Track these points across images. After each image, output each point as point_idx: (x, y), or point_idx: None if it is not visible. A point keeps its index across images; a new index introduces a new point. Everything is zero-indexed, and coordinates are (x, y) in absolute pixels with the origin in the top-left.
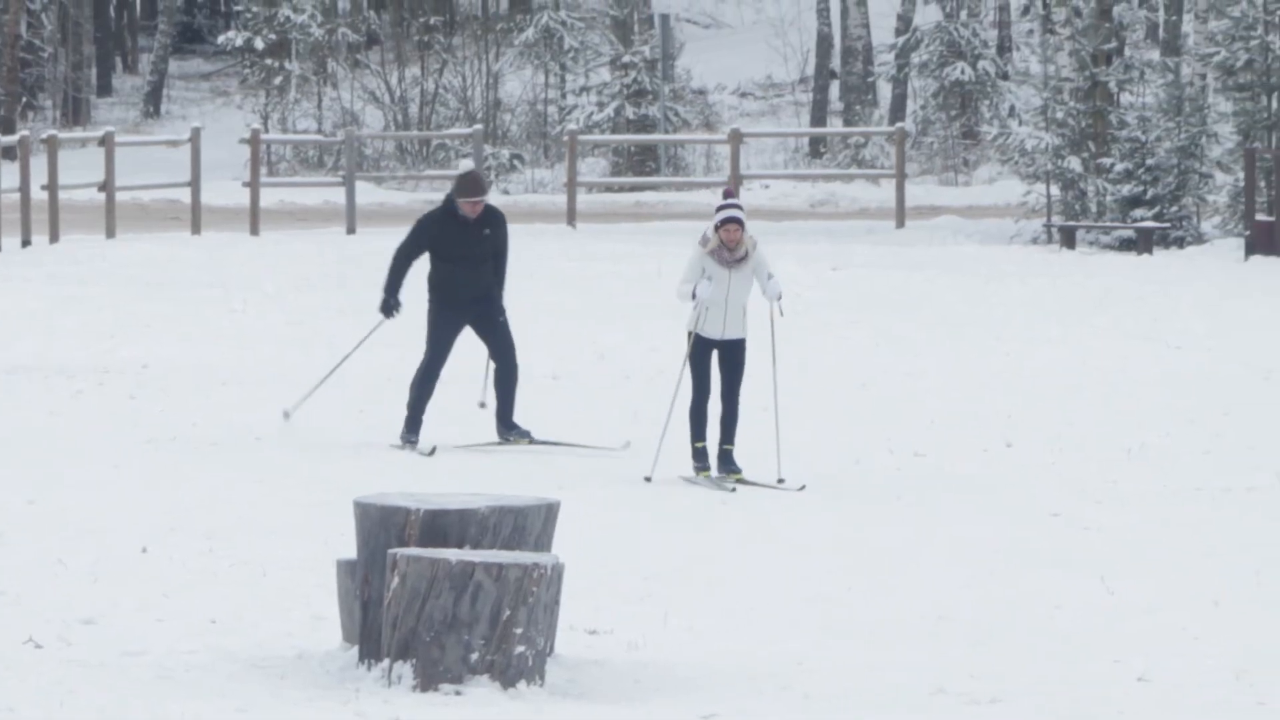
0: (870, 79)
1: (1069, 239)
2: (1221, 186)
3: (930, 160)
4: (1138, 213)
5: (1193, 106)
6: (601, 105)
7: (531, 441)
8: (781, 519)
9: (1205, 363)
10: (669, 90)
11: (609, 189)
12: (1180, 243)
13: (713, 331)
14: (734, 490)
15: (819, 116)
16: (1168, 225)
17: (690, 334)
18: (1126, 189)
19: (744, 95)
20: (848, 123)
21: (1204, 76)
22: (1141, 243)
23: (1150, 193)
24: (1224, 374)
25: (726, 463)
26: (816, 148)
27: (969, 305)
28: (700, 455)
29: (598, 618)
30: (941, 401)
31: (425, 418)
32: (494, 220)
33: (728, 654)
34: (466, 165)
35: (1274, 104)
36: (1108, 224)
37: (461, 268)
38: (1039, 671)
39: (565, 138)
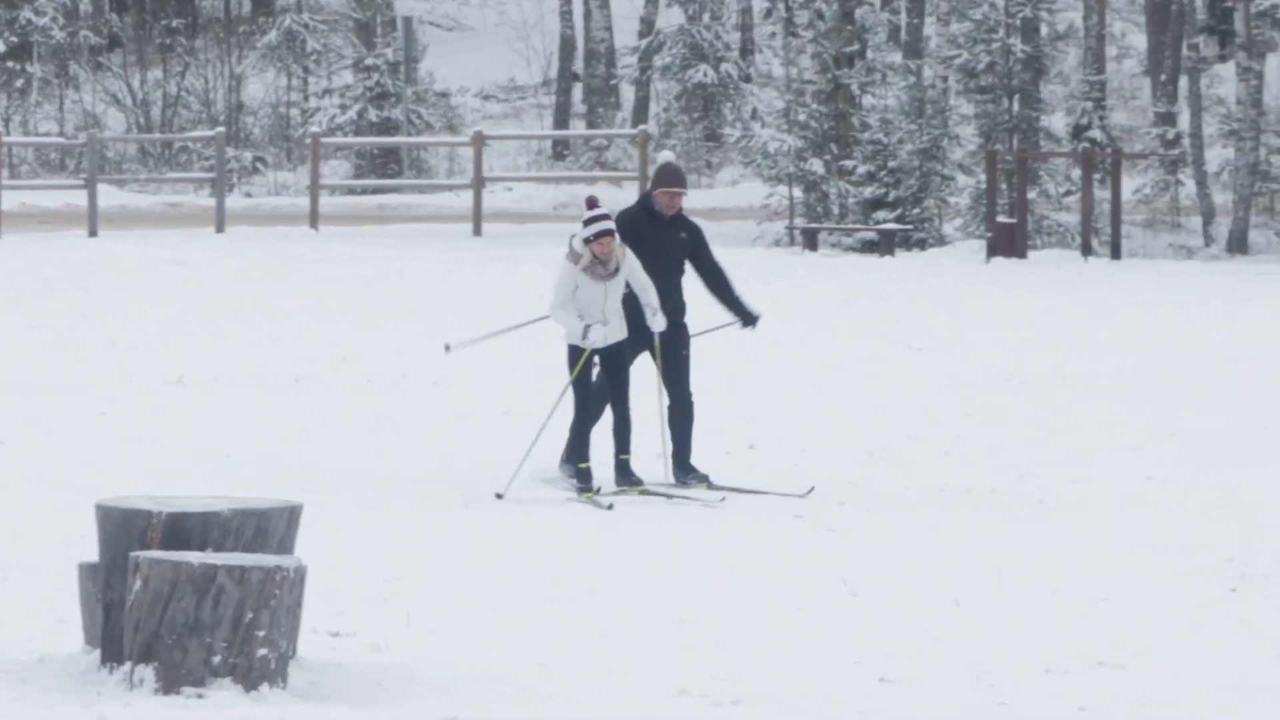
0: (613, 81)
1: (811, 241)
2: (963, 188)
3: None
4: (880, 215)
5: (934, 109)
6: (344, 108)
7: (710, 487)
8: (525, 522)
9: (947, 364)
10: (412, 93)
11: (352, 191)
12: (922, 244)
13: (595, 342)
14: (610, 509)
15: (562, 119)
16: (910, 227)
17: (571, 349)
18: (869, 191)
19: (487, 98)
20: (590, 125)
21: (945, 79)
22: (884, 245)
23: (892, 195)
24: (965, 376)
25: (625, 473)
26: (559, 150)
27: (712, 308)
28: (585, 476)
29: (340, 620)
30: None
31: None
32: (689, 225)
33: (470, 656)
34: (666, 156)
35: (1015, 106)
36: (850, 226)
37: (654, 274)
38: (781, 673)
39: (308, 140)
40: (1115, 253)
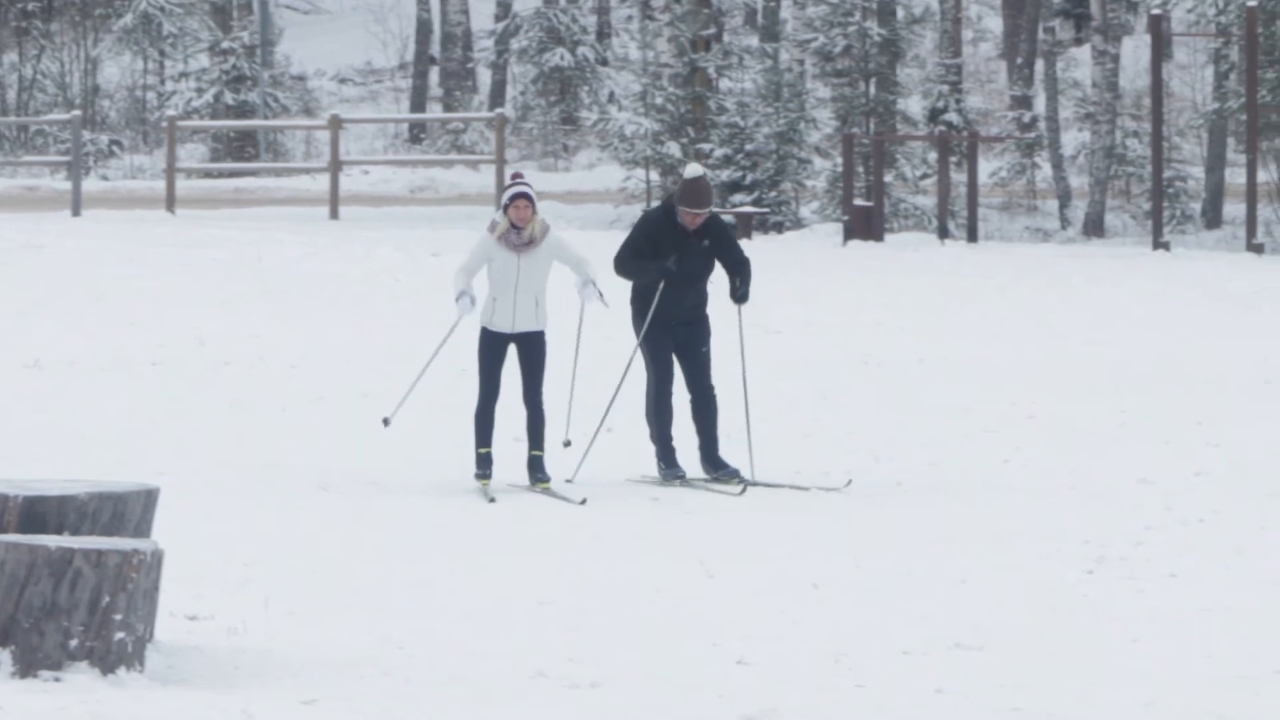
0: (470, 65)
1: None
2: (820, 172)
3: (530, 146)
4: (737, 198)
5: (791, 92)
6: (200, 91)
7: (741, 481)
8: (384, 505)
9: (805, 347)
10: (268, 76)
11: (208, 175)
12: (780, 228)
13: (502, 324)
14: (492, 501)
15: (419, 102)
16: (767, 210)
17: (483, 330)
18: (726, 174)
19: (344, 81)
20: (448, 108)
21: (802, 62)
22: (741, 228)
23: (750, 178)
24: (823, 359)
25: (536, 470)
26: (416, 134)
27: (570, 290)
28: (484, 462)
29: (198, 604)
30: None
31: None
32: (714, 230)
33: (329, 639)
34: (693, 170)
35: (872, 90)
36: None
37: (674, 282)
38: (639, 655)
39: (164, 124)
40: (972, 235)
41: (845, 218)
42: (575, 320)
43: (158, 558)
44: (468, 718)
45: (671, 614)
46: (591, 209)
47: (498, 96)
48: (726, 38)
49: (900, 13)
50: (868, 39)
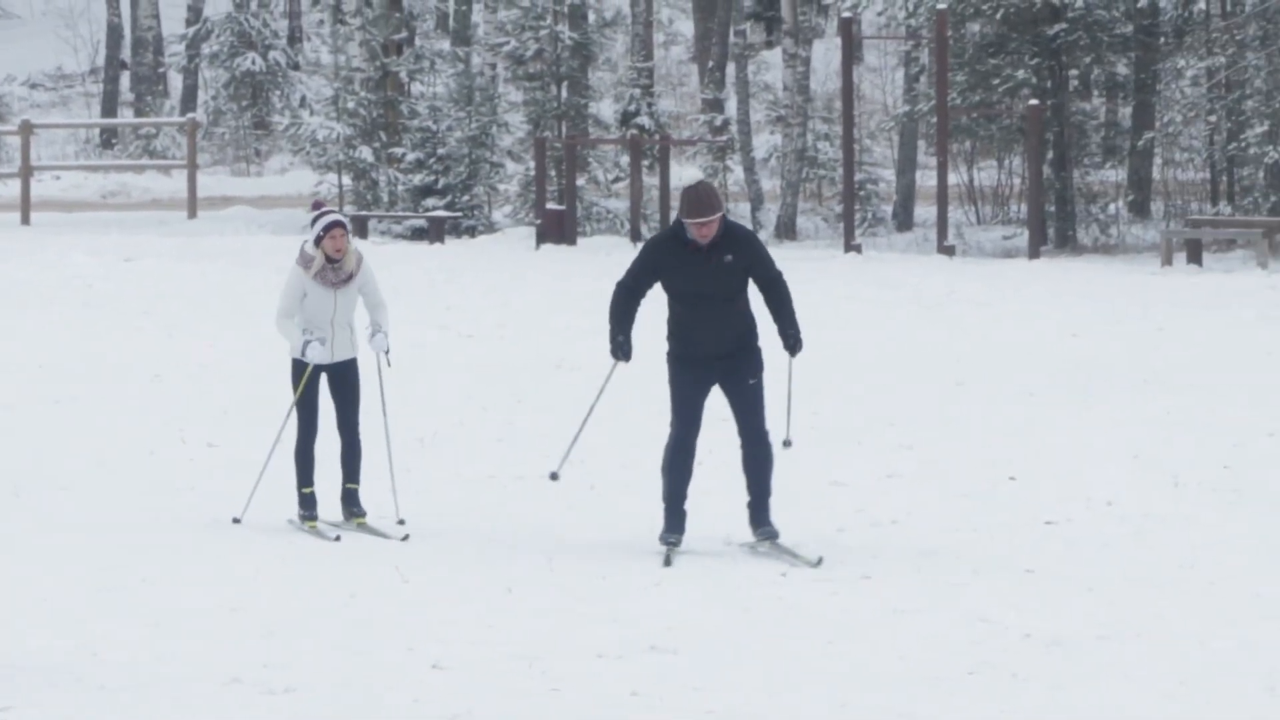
0: (161, 69)
1: (362, 229)
2: (512, 175)
3: (222, 151)
4: (430, 202)
5: (483, 96)
6: None
7: (775, 545)
8: (77, 511)
9: (498, 351)
10: None
11: None
12: (472, 231)
13: (320, 358)
14: (338, 540)
15: (110, 107)
16: (459, 214)
17: (295, 363)
18: (418, 178)
19: (34, 86)
20: (139, 113)
21: (494, 66)
22: (434, 232)
23: (442, 182)
24: (516, 362)
25: (351, 503)
26: (108, 139)
27: (263, 295)
28: (308, 502)
29: None
30: (235, 390)
31: (686, 508)
32: (736, 242)
33: (23, 646)
34: (691, 176)
35: (564, 93)
36: (400, 214)
37: (698, 309)
38: (334, 660)
39: None
40: None
41: (538, 221)
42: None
43: None
44: None
45: (366, 618)
46: (284, 213)
47: (189, 101)
48: (418, 42)
49: (592, 16)
50: (559, 42)
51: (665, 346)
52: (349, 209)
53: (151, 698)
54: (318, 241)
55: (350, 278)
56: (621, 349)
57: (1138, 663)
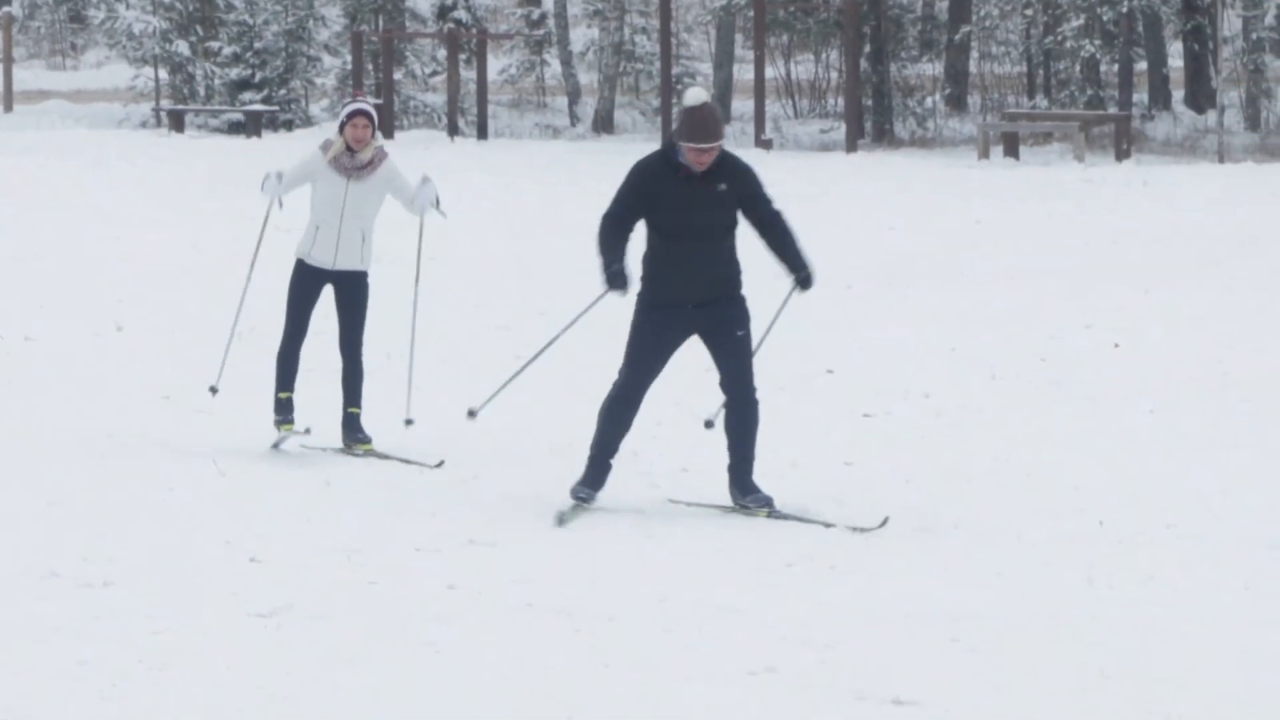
0: None
1: (178, 123)
2: (330, 69)
3: (38, 45)
4: (247, 96)
5: None
6: None
7: (771, 514)
8: None
9: None
10: None
11: None
12: (289, 126)
13: (322, 259)
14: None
15: None
16: (276, 108)
17: (298, 264)
18: (235, 73)
19: None
20: None
21: None
22: (251, 126)
23: (259, 76)
24: None
25: (353, 429)
26: None
27: (78, 189)
28: (284, 407)
29: None
30: (50, 286)
31: (614, 462)
32: (731, 172)
33: None
34: (695, 95)
35: None
36: (217, 108)
37: (682, 244)
38: (151, 554)
39: None
40: (482, 133)
41: None
42: (417, 248)
43: None
44: None
45: (184, 512)
46: (100, 108)
47: None
48: None
49: None
50: None
51: (638, 289)
52: (165, 103)
53: None
54: (341, 129)
55: (365, 169)
56: (619, 277)
57: (955, 555)
